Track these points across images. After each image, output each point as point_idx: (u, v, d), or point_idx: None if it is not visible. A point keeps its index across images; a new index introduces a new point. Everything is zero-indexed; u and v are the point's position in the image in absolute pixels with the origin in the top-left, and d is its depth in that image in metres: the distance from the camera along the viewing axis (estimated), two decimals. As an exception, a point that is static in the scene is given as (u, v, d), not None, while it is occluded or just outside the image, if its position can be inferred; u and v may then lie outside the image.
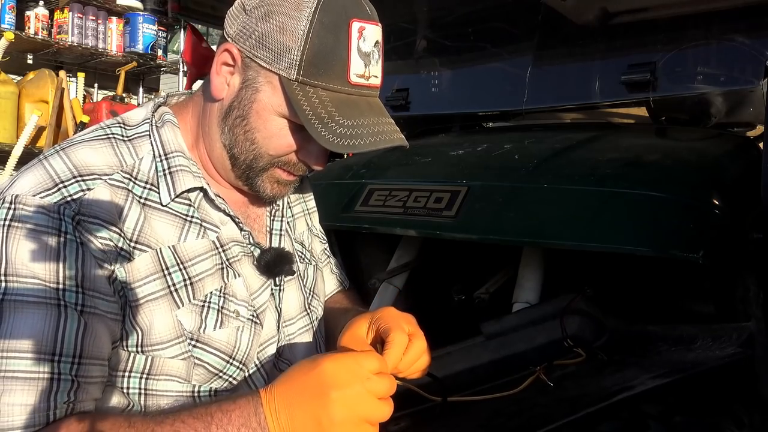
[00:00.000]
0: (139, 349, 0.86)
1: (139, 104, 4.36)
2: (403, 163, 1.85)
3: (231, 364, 0.92)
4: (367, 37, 0.87)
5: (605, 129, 2.14)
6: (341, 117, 0.86)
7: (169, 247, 0.89)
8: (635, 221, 1.34)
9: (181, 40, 4.45)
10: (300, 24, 0.84)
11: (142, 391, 0.87)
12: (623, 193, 1.40)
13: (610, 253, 1.33)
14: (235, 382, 0.93)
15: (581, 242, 1.33)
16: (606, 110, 2.43)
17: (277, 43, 0.86)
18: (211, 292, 0.91)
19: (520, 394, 1.09)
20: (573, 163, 1.61)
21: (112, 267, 0.83)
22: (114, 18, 4.19)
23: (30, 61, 4.04)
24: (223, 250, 0.95)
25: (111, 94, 4.25)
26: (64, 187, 0.83)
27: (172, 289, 0.88)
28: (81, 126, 3.69)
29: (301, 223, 1.16)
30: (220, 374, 0.91)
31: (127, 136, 0.94)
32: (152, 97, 4.33)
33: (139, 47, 4.17)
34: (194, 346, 0.88)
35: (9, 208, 0.80)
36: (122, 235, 0.85)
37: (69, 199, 0.82)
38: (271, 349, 0.99)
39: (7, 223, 0.80)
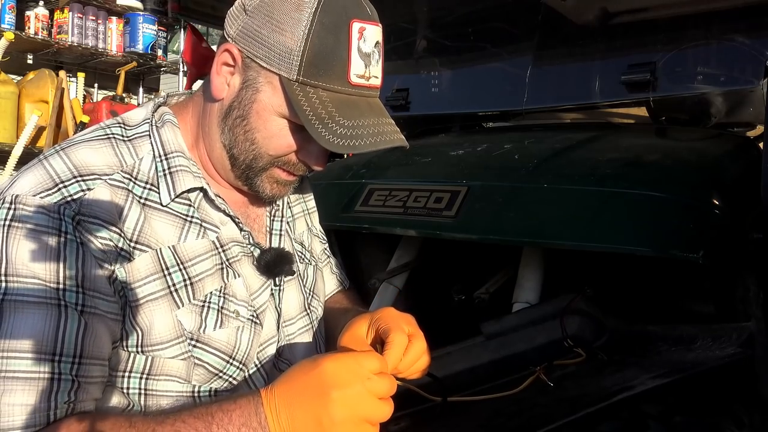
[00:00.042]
0: (139, 349, 0.86)
1: (139, 104, 4.36)
2: (403, 163, 1.85)
3: (231, 364, 0.92)
4: (367, 37, 0.87)
5: (605, 129, 2.14)
6: (341, 117, 0.86)
7: (169, 247, 0.89)
8: (635, 221, 1.34)
9: (181, 40, 4.45)
10: (300, 24, 0.85)
11: (142, 391, 0.87)
12: (623, 193, 1.40)
13: (610, 253, 1.33)
14: (235, 382, 0.93)
15: (581, 242, 1.33)
16: (606, 110, 2.43)
17: (277, 44, 0.86)
18: (211, 292, 0.91)
19: (520, 394, 1.09)
20: (573, 163, 1.61)
21: (113, 267, 0.83)
22: (114, 18, 4.19)
23: (30, 61, 4.04)
24: (223, 250, 0.95)
25: (111, 94, 4.25)
26: (65, 187, 0.83)
27: (172, 289, 0.88)
28: (81, 126, 3.69)
29: (301, 223, 1.16)
30: (220, 374, 0.91)
31: (127, 136, 0.94)
32: (152, 97, 4.33)
33: (139, 47, 4.17)
34: (194, 346, 0.88)
35: (9, 208, 0.80)
36: (122, 235, 0.85)
37: (69, 199, 0.82)
38: (271, 349, 0.99)
39: (7, 223, 0.80)
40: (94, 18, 4.08)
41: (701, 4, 1.83)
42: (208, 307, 0.90)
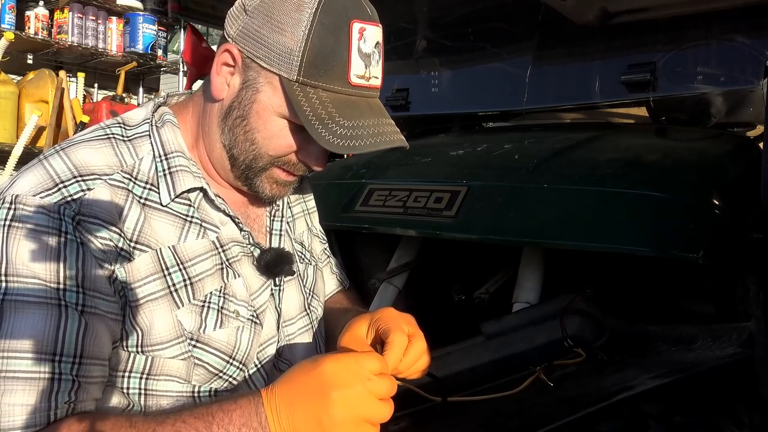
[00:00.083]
0: (139, 349, 0.86)
1: (139, 104, 4.36)
2: (403, 163, 1.85)
3: (231, 364, 0.92)
4: (367, 37, 0.87)
5: (605, 129, 2.14)
6: (341, 118, 0.86)
7: (169, 247, 0.89)
8: (635, 221, 1.34)
9: (181, 40, 4.45)
10: (300, 25, 0.85)
11: (142, 392, 0.87)
12: (623, 193, 1.40)
13: (610, 253, 1.33)
14: (235, 383, 0.93)
15: (581, 242, 1.33)
16: (606, 110, 2.43)
17: (277, 44, 0.86)
18: (211, 293, 0.91)
19: (520, 394, 1.09)
20: (573, 163, 1.61)
21: (113, 267, 0.83)
22: (114, 18, 4.19)
23: (30, 61, 4.04)
24: (223, 251, 0.95)
25: (111, 94, 4.25)
26: (65, 187, 0.83)
27: (172, 289, 0.88)
28: (81, 126, 3.69)
29: (300, 223, 1.16)
30: (220, 374, 0.91)
31: (127, 136, 0.94)
32: (152, 97, 4.33)
33: (139, 47, 4.17)
34: (194, 346, 0.88)
35: (9, 208, 0.80)
36: (122, 235, 0.85)
37: (69, 199, 0.82)
38: (271, 349, 0.99)
39: (7, 223, 0.80)
40: (94, 18, 4.08)
41: (701, 4, 1.83)
42: (208, 307, 0.90)
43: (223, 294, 0.92)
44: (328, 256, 1.24)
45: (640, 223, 1.33)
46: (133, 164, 0.91)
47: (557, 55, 2.13)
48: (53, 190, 0.82)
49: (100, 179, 0.86)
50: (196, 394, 0.90)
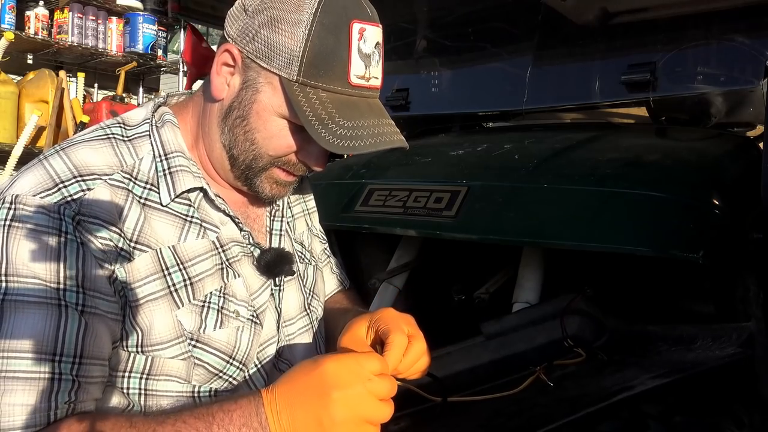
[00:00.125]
0: (139, 349, 0.86)
1: (139, 104, 4.36)
2: (403, 163, 1.85)
3: (231, 364, 0.92)
4: (367, 38, 0.87)
5: (605, 129, 2.14)
6: (341, 118, 0.86)
7: (169, 247, 0.89)
8: (635, 221, 1.34)
9: (181, 40, 4.45)
10: (300, 25, 0.85)
11: (142, 392, 0.87)
12: (623, 193, 1.40)
13: (610, 253, 1.33)
14: (235, 383, 0.93)
15: (581, 242, 1.33)
16: (606, 110, 2.43)
17: (277, 44, 0.86)
18: (211, 293, 0.91)
19: (520, 394, 1.09)
20: (573, 163, 1.61)
21: (113, 267, 0.83)
22: (114, 18, 4.19)
23: (30, 61, 4.04)
24: (223, 251, 0.95)
25: (111, 94, 4.25)
26: (65, 187, 0.83)
27: (172, 289, 0.88)
28: (81, 126, 3.69)
29: (301, 223, 1.16)
30: (220, 374, 0.91)
31: (127, 136, 0.94)
32: (152, 97, 4.33)
33: (139, 47, 4.17)
34: (194, 346, 0.88)
35: (9, 208, 0.80)
36: (122, 235, 0.85)
37: (69, 199, 0.82)
38: (271, 349, 0.99)
39: (7, 223, 0.80)
40: (94, 18, 4.08)
41: (701, 4, 1.83)
42: (208, 307, 0.90)
43: (223, 294, 0.92)
44: (328, 256, 1.24)
45: (640, 223, 1.33)
46: (133, 164, 0.91)
47: (557, 55, 2.13)
48: (53, 190, 0.82)
49: (100, 179, 0.86)
50: (196, 394, 0.90)
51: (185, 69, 4.20)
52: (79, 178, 0.85)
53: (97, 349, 0.81)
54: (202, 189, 0.94)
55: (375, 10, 0.91)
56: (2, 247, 0.79)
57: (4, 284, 0.78)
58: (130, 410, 0.87)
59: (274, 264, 0.99)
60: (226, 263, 0.94)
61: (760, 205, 1.25)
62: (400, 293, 1.75)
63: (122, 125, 0.95)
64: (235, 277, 0.94)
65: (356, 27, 0.86)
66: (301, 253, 1.12)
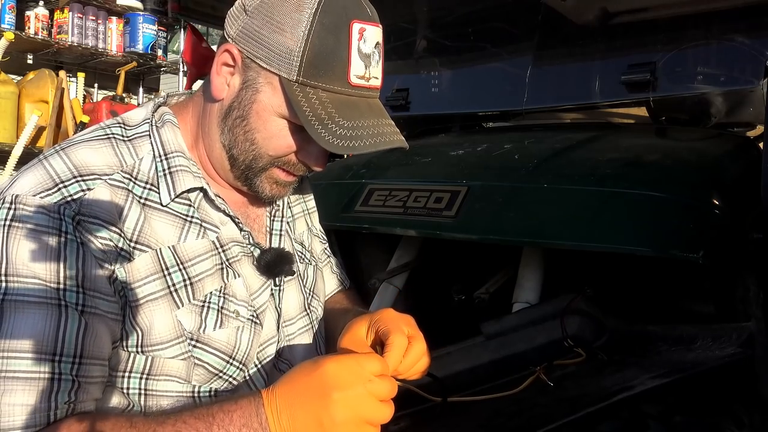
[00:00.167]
0: (139, 349, 0.86)
1: (139, 104, 4.36)
2: (403, 163, 1.85)
3: (231, 364, 0.92)
4: (367, 38, 0.87)
5: (605, 129, 2.14)
6: (341, 118, 0.86)
7: (169, 247, 0.89)
8: (635, 221, 1.34)
9: (181, 40, 4.45)
10: (300, 25, 0.85)
11: (142, 392, 0.87)
12: (623, 193, 1.40)
13: (610, 253, 1.33)
14: (235, 383, 0.93)
15: (581, 242, 1.33)
16: (606, 110, 2.43)
17: (277, 44, 0.86)
18: (210, 293, 0.91)
19: (520, 394, 1.09)
20: (573, 163, 1.61)
21: (113, 267, 0.83)
22: (114, 18, 4.19)
23: (30, 61, 4.04)
24: (223, 251, 0.95)
25: (111, 94, 4.25)
26: (64, 187, 0.83)
27: (172, 289, 0.88)
28: (81, 126, 3.69)
29: (301, 223, 1.16)
30: (220, 374, 0.91)
31: (127, 136, 0.94)
32: (152, 97, 4.33)
33: (139, 47, 4.17)
34: (194, 346, 0.88)
35: (9, 208, 0.80)
36: (122, 235, 0.85)
37: (69, 199, 0.82)
38: (271, 350, 0.99)
39: (7, 223, 0.80)
40: (94, 18, 4.08)
41: (701, 4, 1.83)
42: (208, 307, 0.90)
43: (223, 294, 0.92)
44: (329, 256, 1.24)
45: (640, 223, 1.33)
46: (133, 164, 0.91)
47: (557, 55, 2.12)
48: (53, 190, 0.82)
49: (100, 179, 0.86)
50: (196, 395, 0.90)
51: (185, 69, 4.20)
52: (79, 178, 0.85)
53: (97, 349, 0.81)
54: (202, 189, 0.94)
55: (375, 10, 0.91)
56: (2, 247, 0.79)
57: (4, 284, 0.78)
58: (130, 410, 0.87)
59: (274, 264, 0.99)
60: (226, 263, 0.94)
61: (760, 205, 1.25)
62: (400, 293, 1.75)
63: (122, 125, 0.95)
64: (235, 277, 0.94)
65: (356, 27, 0.86)
66: (301, 253, 1.12)
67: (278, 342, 1.00)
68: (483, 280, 1.63)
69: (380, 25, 0.90)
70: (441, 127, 2.58)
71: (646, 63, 1.85)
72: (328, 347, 1.11)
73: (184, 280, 0.89)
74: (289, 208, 1.13)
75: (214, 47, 0.96)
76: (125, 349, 0.85)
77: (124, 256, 0.84)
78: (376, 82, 0.90)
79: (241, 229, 0.98)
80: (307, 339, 1.07)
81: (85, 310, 0.80)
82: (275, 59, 0.86)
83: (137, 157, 0.92)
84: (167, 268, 0.88)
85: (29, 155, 3.48)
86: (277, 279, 1.01)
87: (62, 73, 3.80)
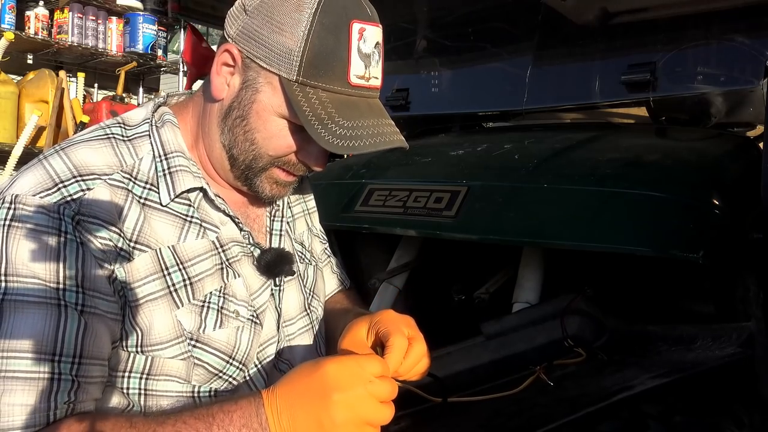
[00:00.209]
0: (139, 349, 0.86)
1: (139, 104, 4.36)
2: (403, 163, 1.85)
3: (231, 364, 0.92)
4: (367, 38, 0.87)
5: (605, 129, 2.14)
6: (341, 118, 0.86)
7: (168, 247, 0.89)
8: (635, 221, 1.34)
9: (181, 40, 4.45)
10: (300, 25, 0.84)
11: (142, 392, 0.87)
12: (623, 193, 1.40)
13: (610, 253, 1.33)
14: (235, 383, 0.93)
15: (581, 242, 1.33)
16: (606, 110, 2.43)
17: (277, 44, 0.86)
18: (210, 293, 0.91)
19: (520, 394, 1.09)
20: (573, 163, 1.61)
21: (112, 267, 0.83)
22: (114, 18, 4.19)
23: (30, 61, 4.04)
24: (223, 251, 0.95)
25: (111, 94, 4.25)
26: (64, 187, 0.83)
27: (172, 289, 0.88)
28: (81, 126, 3.69)
29: (301, 223, 1.16)
30: (220, 374, 0.91)
31: (127, 136, 0.94)
32: (152, 97, 4.33)
33: (139, 47, 4.17)
34: (194, 346, 0.88)
35: (9, 208, 0.80)
36: (122, 235, 0.85)
37: (69, 199, 0.82)
38: (271, 350, 0.99)
39: (7, 223, 0.80)
40: (94, 18, 4.08)
41: (701, 4, 1.83)
42: (208, 307, 0.90)
43: (223, 294, 0.92)
44: (329, 256, 1.24)
45: (640, 223, 1.33)
46: (132, 164, 0.91)
47: (557, 55, 2.12)
48: (53, 190, 0.82)
49: (100, 179, 0.86)
50: (196, 395, 0.90)
51: (185, 69, 4.20)
52: (78, 178, 0.85)
53: (96, 349, 0.80)
54: (201, 189, 0.94)
55: (375, 10, 0.91)
56: (2, 247, 0.79)
57: (3, 284, 0.78)
58: (130, 410, 0.87)
59: (274, 264, 0.99)
60: (226, 263, 0.94)
61: (760, 205, 1.25)
62: (400, 293, 1.75)
63: (122, 125, 0.95)
64: (235, 277, 0.94)
65: (356, 27, 0.86)
66: (302, 253, 1.12)
67: (278, 342, 1.00)
68: (483, 280, 1.63)
69: (380, 25, 0.90)
70: (441, 127, 2.57)
71: (646, 63, 1.85)
72: (329, 347, 1.11)
73: (184, 280, 0.89)
74: (289, 208, 1.13)
75: (214, 47, 0.96)
76: (125, 349, 0.85)
77: (123, 256, 0.84)
78: (376, 82, 0.90)
79: (241, 229, 0.98)
80: (307, 339, 1.07)
81: (84, 310, 0.80)
82: (275, 59, 0.86)
83: (137, 157, 0.92)
84: (167, 268, 0.88)
85: (29, 155, 3.48)
86: (277, 279, 1.01)
87: (62, 73, 3.80)
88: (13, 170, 3.54)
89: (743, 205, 1.37)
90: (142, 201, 0.89)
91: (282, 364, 1.00)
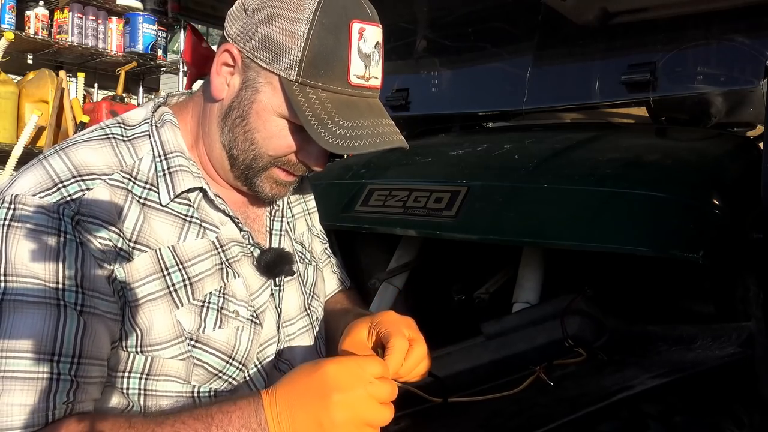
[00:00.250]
0: (139, 349, 0.86)
1: (139, 104, 4.36)
2: (403, 163, 1.85)
3: (230, 364, 0.92)
4: (367, 38, 0.87)
5: (605, 129, 2.14)
6: (341, 118, 0.86)
7: (168, 247, 0.89)
8: (635, 221, 1.34)
9: (181, 40, 4.45)
10: (300, 25, 0.84)
11: (142, 392, 0.87)
12: (623, 193, 1.40)
13: (610, 253, 1.33)
14: (234, 383, 0.93)
15: (581, 242, 1.33)
16: (606, 110, 2.43)
17: (277, 44, 0.86)
18: (210, 293, 0.91)
19: (520, 394, 1.09)
20: (573, 163, 1.61)
21: (112, 267, 0.83)
22: (114, 18, 4.19)
23: (30, 61, 4.04)
24: (223, 251, 0.95)
25: (111, 94, 4.25)
26: (64, 187, 0.83)
27: (172, 289, 0.88)
28: (81, 126, 3.69)
29: (301, 223, 1.16)
30: (220, 374, 0.91)
31: (127, 136, 0.94)
32: (152, 97, 4.33)
33: (139, 47, 4.17)
34: (194, 346, 0.88)
35: (9, 208, 0.80)
36: (121, 235, 0.85)
37: (68, 199, 0.82)
38: (271, 350, 0.99)
39: (6, 223, 0.80)
40: (94, 18, 4.08)
41: (701, 4, 1.83)
42: (208, 307, 0.90)
43: (223, 294, 0.92)
44: (329, 256, 1.24)
45: (640, 223, 1.33)
46: (132, 164, 0.91)
47: (557, 55, 2.12)
48: (53, 190, 0.82)
49: (100, 179, 0.86)
50: (195, 395, 0.90)
51: (185, 69, 4.20)
52: (78, 178, 0.84)
53: (95, 349, 0.80)
54: (201, 189, 0.94)
55: (375, 10, 0.91)
56: (2, 247, 0.79)
57: (3, 284, 0.77)
58: (130, 410, 0.87)
59: (274, 264, 0.99)
60: (226, 263, 0.94)
61: (760, 205, 1.25)
62: (400, 293, 1.75)
63: (122, 125, 0.95)
64: (235, 277, 0.94)
65: (356, 27, 0.86)
66: (302, 254, 1.11)
67: (278, 342, 1.00)
68: (483, 280, 1.63)
69: (380, 25, 0.90)
70: (441, 127, 2.57)
71: (646, 63, 1.85)
72: (329, 348, 1.11)
73: (184, 280, 0.89)
74: (289, 208, 1.13)
75: (214, 47, 0.96)
76: (125, 349, 0.85)
77: (123, 256, 0.84)
78: (376, 82, 0.90)
79: (240, 229, 0.98)
80: (307, 339, 1.06)
81: (84, 310, 0.80)
82: (275, 59, 0.86)
83: (137, 157, 0.92)
84: (167, 268, 0.88)
85: (29, 155, 3.48)
86: (277, 279, 1.01)
87: (62, 73, 3.80)
88: (13, 170, 3.54)
89: (743, 205, 1.37)
90: (141, 201, 0.89)
91: (282, 365, 1.00)
